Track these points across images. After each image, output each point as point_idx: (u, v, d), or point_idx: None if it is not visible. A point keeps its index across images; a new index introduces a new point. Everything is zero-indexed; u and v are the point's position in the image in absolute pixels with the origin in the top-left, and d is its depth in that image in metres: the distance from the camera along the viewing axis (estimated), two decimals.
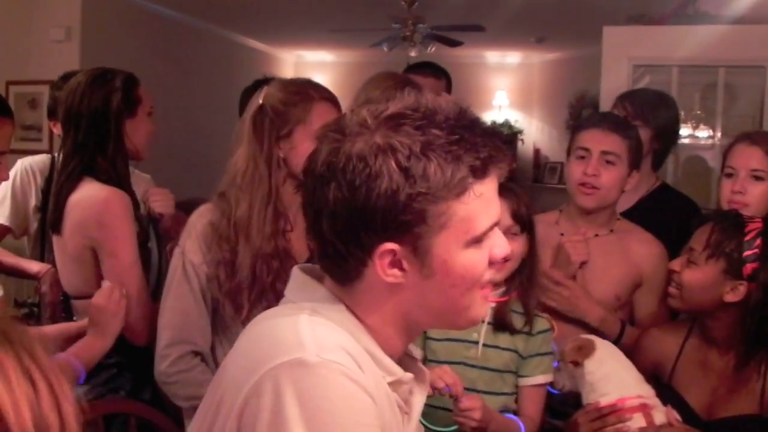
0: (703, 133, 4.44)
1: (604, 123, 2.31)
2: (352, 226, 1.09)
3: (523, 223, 2.00)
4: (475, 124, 1.11)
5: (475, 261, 1.13)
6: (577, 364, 1.98)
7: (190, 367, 1.95)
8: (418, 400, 1.25)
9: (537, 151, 9.91)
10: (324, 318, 1.13)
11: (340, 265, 1.13)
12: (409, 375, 1.20)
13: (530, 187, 9.07)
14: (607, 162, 2.27)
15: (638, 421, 1.91)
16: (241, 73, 6.99)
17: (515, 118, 10.14)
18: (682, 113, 4.36)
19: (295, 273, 1.23)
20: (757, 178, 2.28)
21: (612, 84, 3.25)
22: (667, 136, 2.80)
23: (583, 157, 2.30)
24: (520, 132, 10.03)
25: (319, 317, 1.13)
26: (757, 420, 1.91)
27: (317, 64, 10.74)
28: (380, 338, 1.17)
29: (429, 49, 7.80)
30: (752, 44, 3.70)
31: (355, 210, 1.07)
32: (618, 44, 3.86)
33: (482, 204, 1.11)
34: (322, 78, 10.66)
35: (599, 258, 2.33)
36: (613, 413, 1.91)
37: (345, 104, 2.43)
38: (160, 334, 1.98)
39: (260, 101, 1.99)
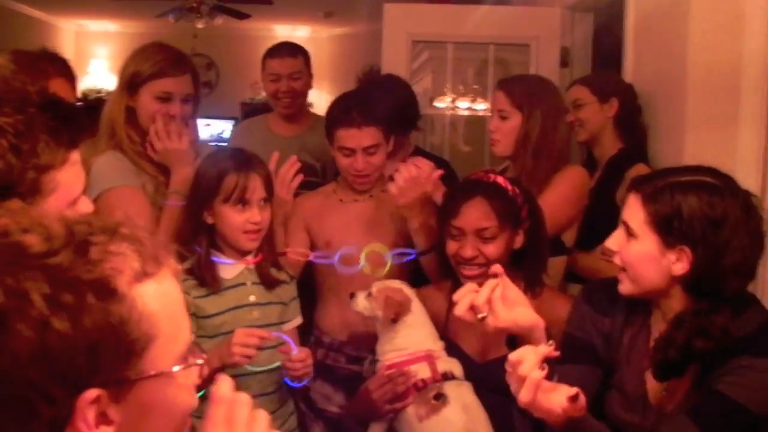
0: (480, 105, 4.73)
1: (357, 117, 2.42)
2: None
3: (270, 194, 2.20)
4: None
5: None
6: (395, 321, 2.13)
7: None
8: None
9: None
10: None
11: None
12: None
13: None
14: (370, 154, 2.44)
15: (423, 369, 2.09)
16: (16, 44, 6.50)
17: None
18: (461, 87, 4.67)
19: None
20: (503, 118, 2.55)
21: (393, 58, 3.42)
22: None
23: (347, 155, 2.45)
24: (310, 105, 10.15)
25: None
26: None
27: (100, 34, 10.25)
28: None
29: (216, 20, 7.71)
30: (518, 24, 3.99)
31: None
32: (398, 20, 3.99)
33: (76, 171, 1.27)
34: (105, 49, 10.23)
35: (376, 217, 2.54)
36: (401, 375, 2.07)
37: None
38: None
39: None
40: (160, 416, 0.94)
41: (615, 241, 1.70)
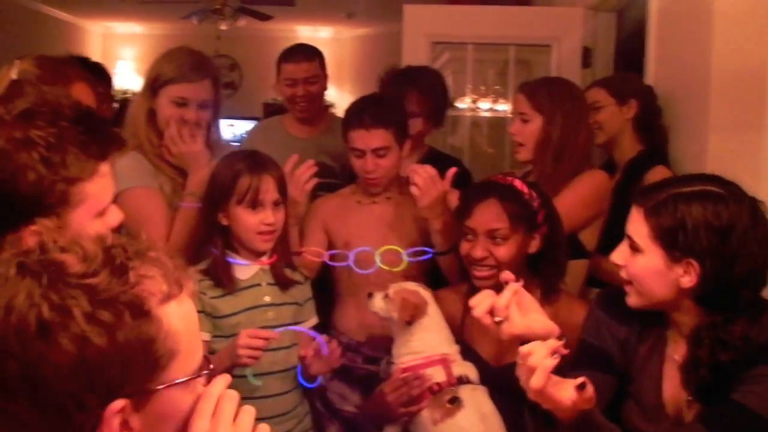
0: (502, 106, 4.71)
1: (367, 119, 2.44)
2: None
3: (284, 195, 2.20)
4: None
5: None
6: (410, 323, 2.12)
7: None
8: None
9: None
10: None
11: None
12: None
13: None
14: (380, 156, 2.45)
15: (438, 372, 2.08)
16: (45, 46, 6.61)
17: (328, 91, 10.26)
18: (483, 88, 4.66)
19: None
20: (524, 121, 2.55)
21: (412, 60, 3.41)
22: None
23: (359, 157, 2.47)
24: (332, 105, 10.18)
25: None
26: None
27: (126, 36, 10.35)
28: None
29: (239, 22, 7.75)
30: (539, 24, 3.97)
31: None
32: (417, 22, 3.99)
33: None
34: (131, 51, 10.32)
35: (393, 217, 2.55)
36: (417, 378, 2.07)
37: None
38: None
39: (13, 76, 1.91)
40: (174, 421, 1.02)
41: (620, 255, 1.67)
